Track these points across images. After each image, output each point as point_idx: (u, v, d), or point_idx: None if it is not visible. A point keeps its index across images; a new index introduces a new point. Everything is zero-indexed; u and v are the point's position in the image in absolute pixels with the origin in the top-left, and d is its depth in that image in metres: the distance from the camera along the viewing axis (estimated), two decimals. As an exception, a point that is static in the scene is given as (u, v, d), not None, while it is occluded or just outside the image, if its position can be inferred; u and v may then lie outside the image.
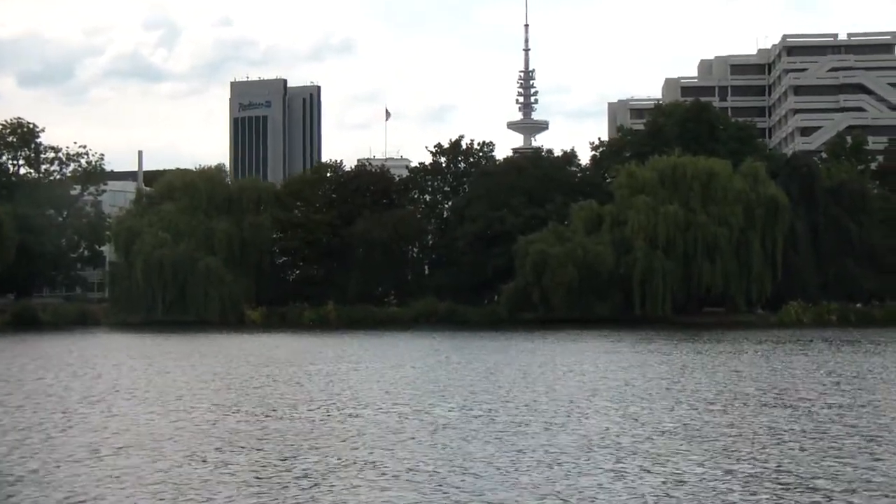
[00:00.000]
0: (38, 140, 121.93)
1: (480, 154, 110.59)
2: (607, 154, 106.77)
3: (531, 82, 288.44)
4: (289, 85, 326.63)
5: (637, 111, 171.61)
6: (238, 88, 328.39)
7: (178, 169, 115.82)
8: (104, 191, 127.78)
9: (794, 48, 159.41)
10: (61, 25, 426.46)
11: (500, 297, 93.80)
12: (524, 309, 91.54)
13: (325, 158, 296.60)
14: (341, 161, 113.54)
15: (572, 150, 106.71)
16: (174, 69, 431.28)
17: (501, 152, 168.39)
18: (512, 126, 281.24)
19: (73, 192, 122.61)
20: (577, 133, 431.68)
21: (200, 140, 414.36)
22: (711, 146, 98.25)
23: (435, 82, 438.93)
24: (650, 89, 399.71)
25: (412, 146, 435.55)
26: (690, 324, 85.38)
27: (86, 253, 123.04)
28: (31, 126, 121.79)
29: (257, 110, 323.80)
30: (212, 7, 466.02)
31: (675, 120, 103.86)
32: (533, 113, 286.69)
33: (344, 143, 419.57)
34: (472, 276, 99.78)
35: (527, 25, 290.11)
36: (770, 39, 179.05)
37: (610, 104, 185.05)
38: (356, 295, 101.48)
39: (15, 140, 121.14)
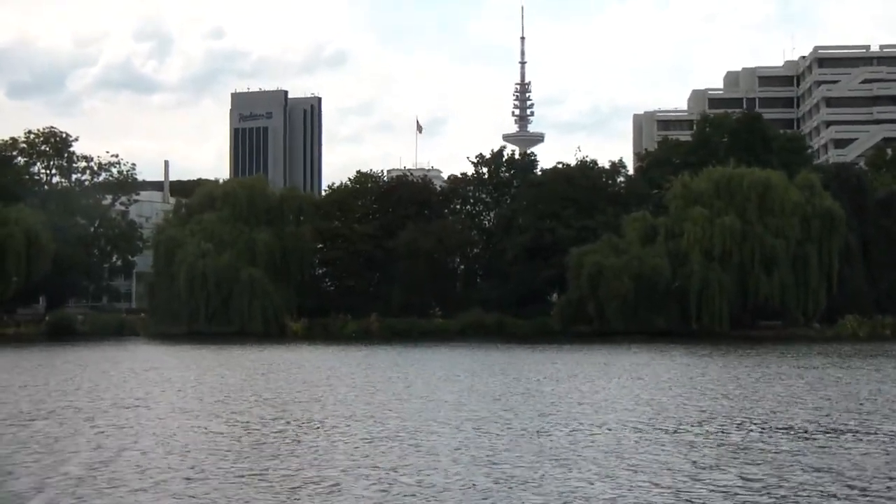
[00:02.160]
0: (71, 149, 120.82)
1: (523, 164, 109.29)
2: (653, 165, 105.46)
3: (527, 94, 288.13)
4: (289, 96, 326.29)
5: (663, 122, 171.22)
6: (238, 99, 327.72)
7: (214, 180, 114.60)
8: (136, 200, 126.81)
9: (825, 59, 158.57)
10: (51, 35, 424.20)
11: (553, 310, 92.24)
12: (578, 321, 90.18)
13: (325, 170, 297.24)
14: (382, 171, 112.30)
15: (620, 160, 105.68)
16: (166, 80, 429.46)
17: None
18: (508, 138, 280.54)
19: (104, 202, 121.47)
20: (570, 145, 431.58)
21: (195, 151, 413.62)
22: (764, 157, 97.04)
23: (427, 95, 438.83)
24: (652, 102, 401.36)
25: (405, 158, 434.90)
26: (751, 338, 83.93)
27: (118, 263, 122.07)
28: (65, 135, 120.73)
29: (258, 121, 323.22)
30: (204, 18, 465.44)
31: (724, 131, 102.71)
32: (529, 125, 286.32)
33: (337, 155, 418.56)
34: (520, 288, 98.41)
35: (523, 38, 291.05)
36: (797, 51, 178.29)
37: (635, 116, 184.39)
38: (399, 307, 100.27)
39: (48, 149, 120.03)
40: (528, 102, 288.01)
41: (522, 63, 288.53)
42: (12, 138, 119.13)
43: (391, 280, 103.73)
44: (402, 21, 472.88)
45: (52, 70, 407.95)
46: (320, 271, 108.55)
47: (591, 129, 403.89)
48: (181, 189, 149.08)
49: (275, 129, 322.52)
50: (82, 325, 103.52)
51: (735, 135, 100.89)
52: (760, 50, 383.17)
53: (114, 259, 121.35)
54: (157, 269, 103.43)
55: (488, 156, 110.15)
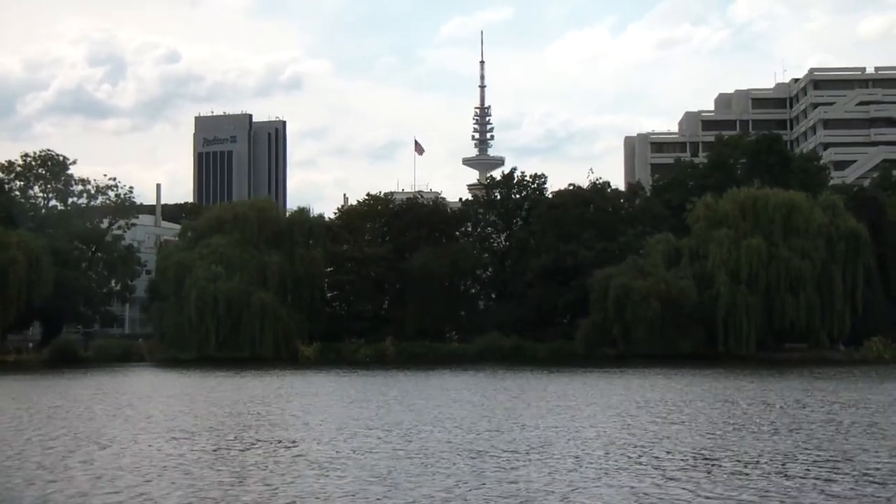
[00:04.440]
0: (69, 172, 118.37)
1: (534, 186, 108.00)
2: (668, 186, 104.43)
3: (487, 118, 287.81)
4: (254, 120, 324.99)
5: (657, 145, 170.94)
6: (202, 123, 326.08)
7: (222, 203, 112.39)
8: (134, 224, 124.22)
9: (820, 81, 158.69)
10: (2, 59, 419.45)
11: (576, 333, 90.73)
12: (601, 344, 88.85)
13: (291, 193, 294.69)
14: (392, 193, 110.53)
15: (638, 181, 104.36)
16: (120, 105, 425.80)
17: (454, 189, 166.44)
18: (468, 162, 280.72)
19: (101, 226, 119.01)
20: (528, 169, 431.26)
21: (151, 176, 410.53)
22: (783, 178, 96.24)
23: (381, 120, 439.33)
24: (608, 125, 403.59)
25: (358, 182, 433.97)
26: (779, 361, 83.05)
27: (116, 287, 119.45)
28: (62, 158, 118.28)
29: (222, 145, 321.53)
30: (158, 43, 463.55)
31: (742, 152, 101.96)
32: (489, 149, 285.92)
33: (293, 179, 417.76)
34: (537, 311, 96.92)
35: (482, 62, 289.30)
36: (789, 74, 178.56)
37: (627, 138, 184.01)
38: (413, 330, 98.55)
39: (45, 172, 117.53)
40: (489, 126, 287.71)
41: (482, 87, 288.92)
42: (9, 161, 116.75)
43: (403, 303, 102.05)
44: (359, 46, 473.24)
45: (2, 94, 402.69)
46: (330, 294, 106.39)
47: (546, 154, 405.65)
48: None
49: (239, 152, 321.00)
50: (86, 352, 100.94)
51: (755, 156, 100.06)
52: (719, 75, 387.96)
53: (112, 283, 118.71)
54: (166, 293, 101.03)
55: (499, 178, 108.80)
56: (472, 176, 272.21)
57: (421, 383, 60.81)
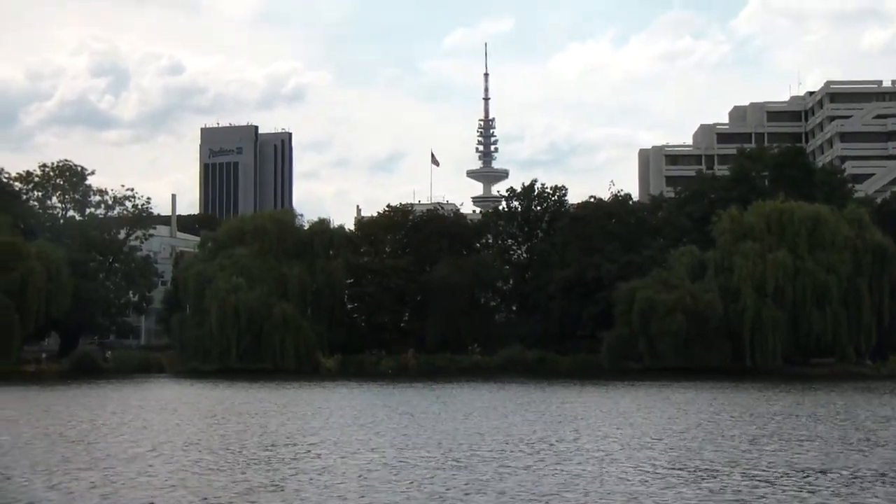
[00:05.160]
0: (87, 183, 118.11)
1: (554, 198, 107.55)
2: (689, 199, 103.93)
3: (491, 131, 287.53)
4: (260, 132, 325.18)
5: (672, 157, 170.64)
6: (208, 134, 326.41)
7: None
8: (151, 235, 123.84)
9: (837, 94, 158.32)
10: (4, 69, 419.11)
11: (601, 346, 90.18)
12: (626, 357, 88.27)
13: (296, 203, 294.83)
14: (411, 205, 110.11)
15: (661, 194, 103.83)
16: (122, 115, 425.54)
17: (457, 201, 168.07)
18: (472, 174, 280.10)
19: (119, 237, 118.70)
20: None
21: (153, 187, 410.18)
22: (808, 191, 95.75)
23: (383, 131, 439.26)
24: (609, 138, 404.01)
25: (359, 194, 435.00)
26: (808, 376, 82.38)
27: (134, 298, 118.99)
28: (80, 169, 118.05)
29: (228, 156, 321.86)
30: (161, 54, 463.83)
31: (764, 165, 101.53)
32: (493, 161, 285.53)
33: (298, 190, 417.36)
34: (560, 324, 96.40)
35: (486, 74, 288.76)
36: (804, 87, 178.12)
37: (642, 151, 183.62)
38: (433, 343, 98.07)
39: (63, 182, 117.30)
40: (493, 139, 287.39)
41: (486, 99, 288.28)
42: (27, 171, 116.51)
43: (423, 315, 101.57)
44: (361, 57, 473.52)
45: (4, 104, 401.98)
46: (350, 306, 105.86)
47: (548, 166, 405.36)
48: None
49: (245, 164, 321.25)
50: (106, 363, 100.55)
51: (778, 169, 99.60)
52: (715, 90, 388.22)
53: (130, 294, 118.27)
54: (186, 304, 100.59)
55: (519, 189, 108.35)
56: (476, 188, 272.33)
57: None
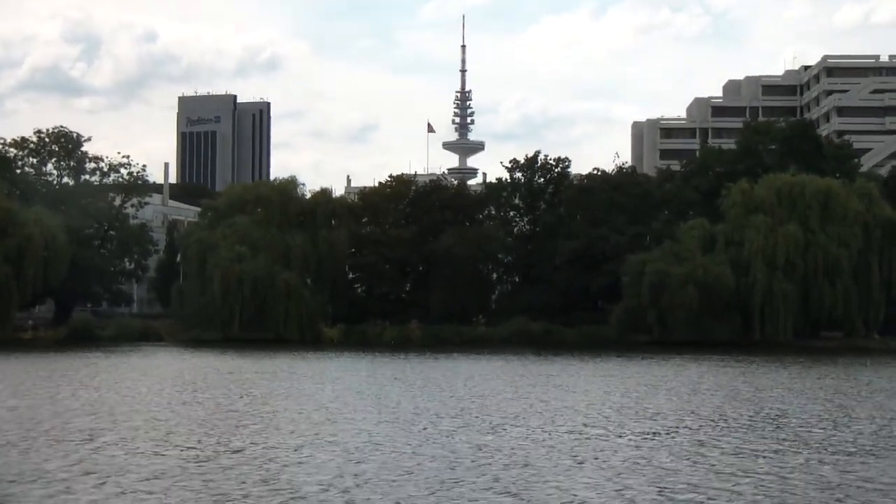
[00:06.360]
0: (83, 149, 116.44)
1: (557, 170, 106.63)
2: (695, 172, 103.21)
3: (468, 103, 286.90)
4: (238, 101, 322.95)
5: (666, 130, 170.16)
6: (186, 103, 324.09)
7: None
8: (146, 203, 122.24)
9: (834, 69, 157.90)
10: None
11: (609, 318, 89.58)
12: (635, 330, 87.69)
13: (274, 174, 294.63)
14: (415, 174, 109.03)
15: (668, 167, 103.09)
16: (95, 83, 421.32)
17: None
18: (448, 146, 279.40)
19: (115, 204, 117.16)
20: (506, 154, 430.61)
21: (129, 153, 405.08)
22: (817, 165, 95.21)
23: (358, 102, 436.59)
24: (586, 111, 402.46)
25: (333, 165, 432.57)
26: (817, 349, 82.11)
27: (130, 266, 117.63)
28: (76, 135, 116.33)
29: (206, 125, 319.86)
30: (134, 22, 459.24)
31: (773, 138, 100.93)
32: (469, 133, 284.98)
33: (274, 159, 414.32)
34: (565, 296, 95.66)
35: (464, 46, 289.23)
36: (798, 61, 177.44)
37: (635, 123, 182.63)
38: (438, 313, 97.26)
39: (59, 149, 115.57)
40: (469, 111, 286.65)
41: (463, 71, 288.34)
42: (22, 137, 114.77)
43: (426, 286, 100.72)
44: (337, 27, 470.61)
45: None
46: (352, 276, 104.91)
47: (523, 139, 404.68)
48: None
49: (223, 133, 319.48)
50: (105, 331, 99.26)
51: (787, 142, 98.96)
52: (694, 63, 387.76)
53: (126, 262, 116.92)
54: (187, 272, 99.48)
55: (522, 161, 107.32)
56: (452, 160, 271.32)
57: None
